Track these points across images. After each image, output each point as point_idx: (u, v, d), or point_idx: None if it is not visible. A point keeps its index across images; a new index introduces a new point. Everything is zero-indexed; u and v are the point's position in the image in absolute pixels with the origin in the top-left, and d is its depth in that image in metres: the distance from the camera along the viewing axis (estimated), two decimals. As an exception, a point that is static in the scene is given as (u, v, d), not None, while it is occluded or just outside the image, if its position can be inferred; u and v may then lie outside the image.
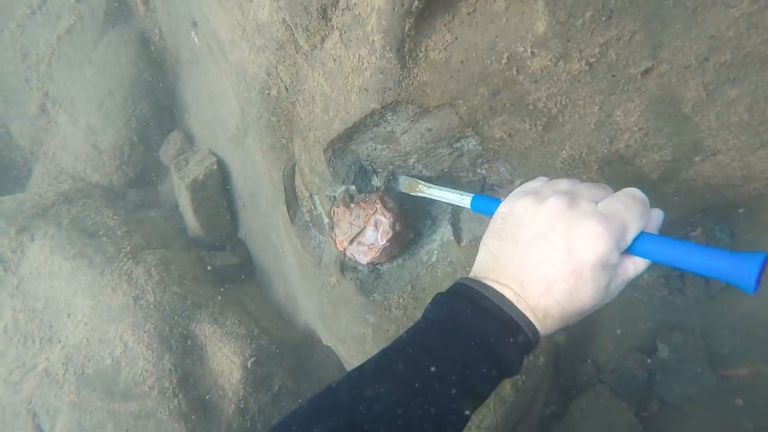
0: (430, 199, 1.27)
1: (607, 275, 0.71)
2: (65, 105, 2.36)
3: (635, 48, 0.98)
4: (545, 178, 0.89)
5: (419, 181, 1.32)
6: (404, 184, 1.36)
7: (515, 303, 0.72)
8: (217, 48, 1.63)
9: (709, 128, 1.08)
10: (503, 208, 0.83)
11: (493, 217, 0.84)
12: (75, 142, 2.37)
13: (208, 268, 2.08)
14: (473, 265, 0.84)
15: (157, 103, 2.37)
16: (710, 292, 1.51)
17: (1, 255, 2.09)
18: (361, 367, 0.73)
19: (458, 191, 1.17)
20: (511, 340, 0.70)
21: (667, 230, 1.48)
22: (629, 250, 0.74)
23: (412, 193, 1.33)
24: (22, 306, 2.05)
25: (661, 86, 1.03)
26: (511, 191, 0.88)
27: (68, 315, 1.97)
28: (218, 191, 2.14)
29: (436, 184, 1.28)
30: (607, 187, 0.81)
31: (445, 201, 1.22)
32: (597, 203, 0.75)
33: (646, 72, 1.02)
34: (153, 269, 1.93)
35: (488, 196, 1.16)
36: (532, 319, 0.71)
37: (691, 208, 1.41)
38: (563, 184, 0.82)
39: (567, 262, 0.69)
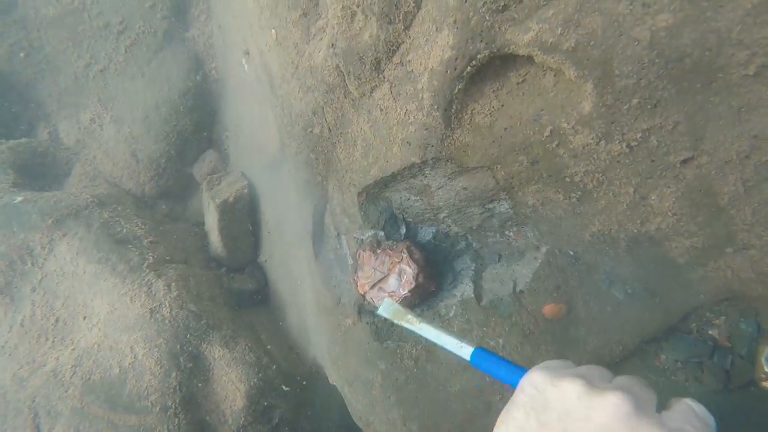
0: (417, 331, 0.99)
1: None
2: (113, 112, 2.46)
3: (677, 137, 1.00)
4: (570, 362, 0.80)
5: (409, 310, 1.06)
6: (389, 309, 1.07)
7: None
8: (266, 79, 1.70)
9: (744, 222, 1.09)
10: (542, 382, 0.74)
11: (524, 387, 0.75)
12: (116, 149, 2.46)
13: (226, 289, 2.11)
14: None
15: (199, 120, 2.46)
16: (730, 386, 1.46)
17: (31, 249, 2.14)
18: None
19: (456, 336, 0.94)
20: None
21: (687, 316, 1.45)
22: None
23: (397, 322, 1.05)
24: (41, 301, 2.08)
25: (699, 177, 1.05)
26: (536, 258, 0.87)
27: (84, 317, 1.99)
28: (245, 215, 2.19)
29: (425, 320, 1.00)
30: (652, 392, 0.74)
31: (437, 342, 0.95)
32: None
33: (685, 161, 1.03)
34: (173, 284, 1.95)
35: (495, 354, 0.92)
36: None
37: (717, 296, 1.39)
38: (607, 373, 0.75)
39: None
